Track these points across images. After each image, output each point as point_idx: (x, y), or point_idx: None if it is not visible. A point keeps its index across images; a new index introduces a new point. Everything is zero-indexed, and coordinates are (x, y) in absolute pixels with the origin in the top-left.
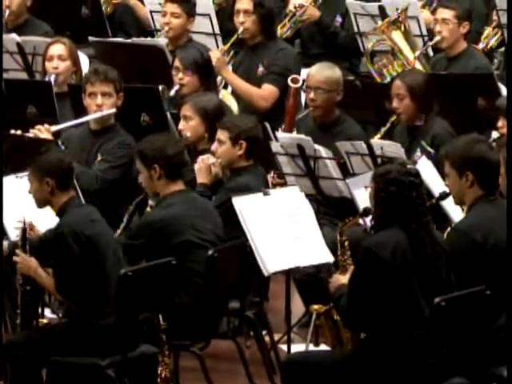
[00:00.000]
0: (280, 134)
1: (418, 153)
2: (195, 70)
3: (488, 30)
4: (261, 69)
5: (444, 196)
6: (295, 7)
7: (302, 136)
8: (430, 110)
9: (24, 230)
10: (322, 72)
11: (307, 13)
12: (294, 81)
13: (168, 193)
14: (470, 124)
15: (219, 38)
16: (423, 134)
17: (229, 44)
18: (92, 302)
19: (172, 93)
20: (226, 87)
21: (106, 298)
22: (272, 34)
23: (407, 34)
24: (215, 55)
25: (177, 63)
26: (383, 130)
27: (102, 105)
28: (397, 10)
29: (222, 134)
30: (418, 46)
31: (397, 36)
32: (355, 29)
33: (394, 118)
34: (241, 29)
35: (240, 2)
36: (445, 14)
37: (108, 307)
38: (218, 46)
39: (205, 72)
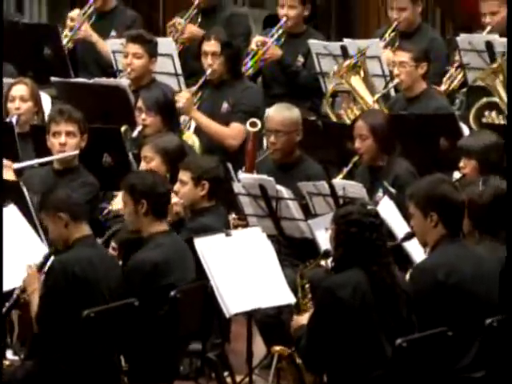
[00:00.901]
0: (242, 174)
1: (380, 193)
2: (158, 111)
3: (451, 71)
4: (225, 106)
5: (408, 237)
6: (257, 45)
7: (264, 176)
8: (392, 150)
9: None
10: (281, 114)
11: (269, 51)
12: (253, 125)
13: (154, 232)
14: (432, 164)
15: (181, 79)
16: (385, 175)
17: (198, 85)
18: (63, 342)
19: (135, 133)
20: (189, 128)
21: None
22: (238, 73)
23: (366, 78)
24: (184, 96)
25: (140, 104)
26: (345, 170)
27: (65, 144)
28: (355, 54)
29: (184, 175)
30: (377, 88)
31: (355, 80)
32: (317, 69)
33: (356, 158)
34: (209, 70)
35: (207, 43)
36: (402, 56)
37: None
38: (180, 87)
39: (168, 113)
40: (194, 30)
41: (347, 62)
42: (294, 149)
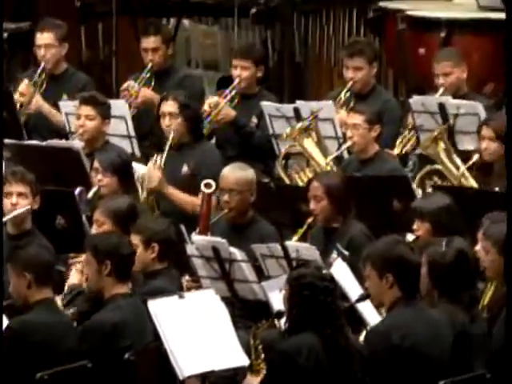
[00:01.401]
0: (195, 236)
1: (334, 255)
2: (114, 172)
3: (404, 133)
4: (185, 169)
5: (362, 298)
6: (210, 107)
7: (218, 239)
8: (347, 212)
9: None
10: (235, 173)
11: (222, 112)
12: (207, 186)
13: (115, 294)
14: (385, 226)
15: (134, 141)
16: (340, 236)
17: (164, 155)
18: None
19: (89, 195)
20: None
21: None
22: (198, 135)
23: (319, 140)
24: (156, 176)
25: (96, 165)
26: (300, 231)
27: (16, 204)
28: (309, 117)
29: (134, 238)
30: (330, 151)
31: (308, 143)
32: (270, 130)
33: (310, 219)
34: (171, 135)
35: (165, 104)
36: (355, 119)
37: None
38: (133, 149)
39: (124, 174)
40: (147, 93)
41: (299, 125)
42: (247, 209)
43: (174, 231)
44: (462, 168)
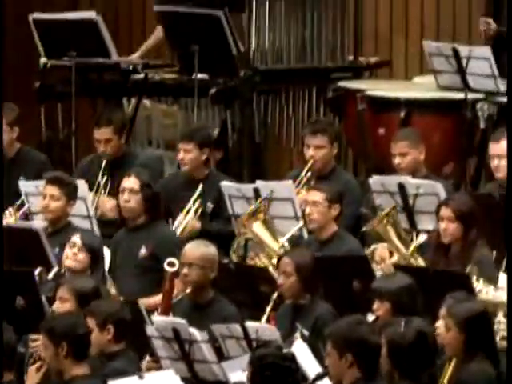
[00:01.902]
0: (155, 317)
1: (297, 334)
2: (90, 251)
3: (364, 213)
4: (143, 251)
5: (320, 377)
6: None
7: (178, 319)
8: (315, 290)
9: None
10: (198, 248)
11: (188, 226)
12: (170, 264)
13: (73, 376)
14: (346, 306)
15: (94, 221)
16: (307, 314)
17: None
18: None
19: (50, 276)
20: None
21: None
22: (156, 216)
23: (268, 223)
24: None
25: (75, 239)
26: (268, 308)
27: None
28: (264, 198)
29: (89, 321)
30: (285, 232)
31: (258, 227)
32: (230, 211)
33: (275, 295)
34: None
35: (126, 180)
36: (315, 196)
37: None
38: (93, 229)
39: (96, 256)
40: (105, 200)
41: (248, 211)
42: (206, 285)
43: (129, 311)
44: (411, 248)
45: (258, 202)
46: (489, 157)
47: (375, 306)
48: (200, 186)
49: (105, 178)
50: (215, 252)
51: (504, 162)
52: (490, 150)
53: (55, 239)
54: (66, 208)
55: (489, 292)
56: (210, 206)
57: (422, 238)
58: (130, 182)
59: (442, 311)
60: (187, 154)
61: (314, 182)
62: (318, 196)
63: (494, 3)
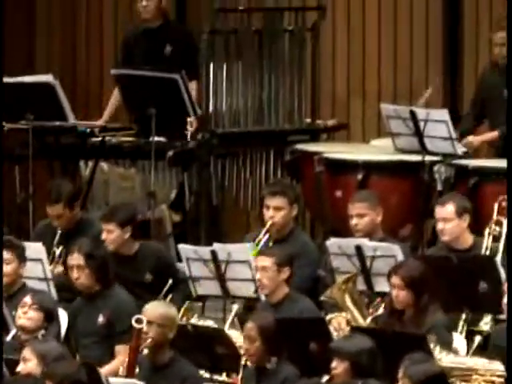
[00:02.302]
0: (113, 379)
1: None
2: (41, 310)
3: (322, 276)
4: (101, 319)
5: None
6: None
7: (133, 380)
8: (280, 352)
9: None
10: (158, 307)
11: None
12: (138, 321)
13: None
14: (304, 368)
15: (51, 283)
16: (273, 378)
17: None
18: None
19: (8, 338)
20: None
21: None
22: (108, 282)
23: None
24: None
25: (27, 299)
26: (239, 376)
27: None
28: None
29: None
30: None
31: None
32: (187, 273)
33: (243, 361)
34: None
35: (71, 258)
36: (264, 261)
37: None
38: (50, 291)
39: (50, 317)
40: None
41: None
42: (165, 345)
43: (85, 373)
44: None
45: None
46: (435, 220)
47: (334, 364)
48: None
49: (60, 248)
50: (175, 313)
51: (448, 226)
52: (435, 213)
53: (12, 302)
54: (18, 270)
55: (443, 359)
56: (148, 277)
57: (381, 309)
58: (75, 260)
59: (400, 372)
60: (109, 235)
61: (271, 243)
62: (266, 261)
63: (451, 66)
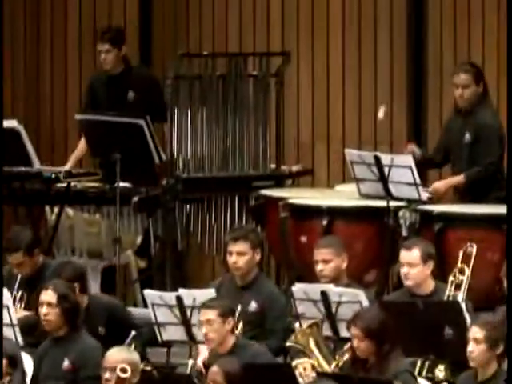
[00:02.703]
0: None
1: None
2: (4, 356)
3: (288, 321)
4: (66, 363)
5: None
6: None
7: None
8: None
9: None
10: (120, 352)
11: None
12: (123, 370)
13: None
14: None
15: (17, 329)
16: None
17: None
18: None
19: None
20: None
21: None
22: (76, 327)
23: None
24: None
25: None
26: None
27: None
28: None
29: None
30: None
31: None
32: (153, 319)
33: None
34: (44, 323)
35: (44, 293)
36: (207, 314)
37: None
38: (16, 338)
39: (14, 363)
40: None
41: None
42: None
43: None
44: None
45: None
46: (399, 264)
47: None
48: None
49: (20, 292)
50: (138, 358)
51: (413, 271)
52: (400, 257)
53: None
54: None
55: None
56: (102, 330)
57: (346, 355)
58: (48, 296)
59: None
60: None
61: (237, 291)
62: (209, 314)
63: (415, 110)
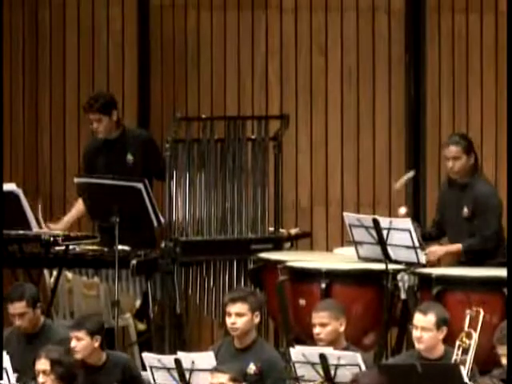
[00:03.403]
0: None
1: None
2: None
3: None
4: None
5: None
6: None
7: None
8: None
9: None
10: None
11: None
12: None
13: None
14: None
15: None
16: None
17: None
18: None
19: None
20: None
21: None
22: None
23: None
24: None
25: None
26: None
27: None
28: None
29: None
30: None
31: None
32: (151, 382)
33: None
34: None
35: (38, 362)
36: (219, 378)
37: None
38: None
39: None
40: None
41: None
42: None
43: None
44: None
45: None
46: (412, 326)
47: None
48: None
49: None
50: None
51: (427, 335)
52: (414, 320)
53: None
54: None
55: None
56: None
57: None
58: (42, 364)
59: None
60: (78, 342)
61: (235, 354)
62: (222, 378)
63: (414, 177)
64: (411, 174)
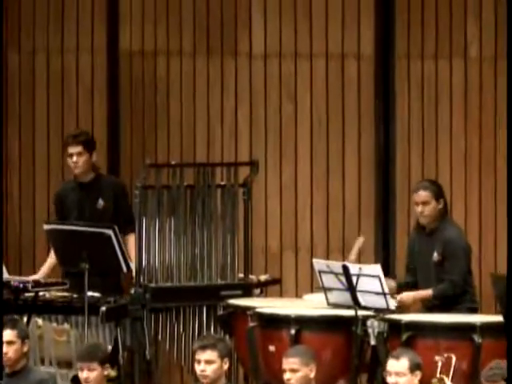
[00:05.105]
0: None
1: None
2: None
3: None
4: None
5: None
6: None
7: None
8: None
9: None
10: None
11: None
12: None
13: None
14: None
15: None
16: None
17: None
18: None
19: None
20: None
21: None
22: None
23: None
24: None
25: None
26: None
27: None
28: None
29: None
30: None
31: None
32: None
33: None
34: None
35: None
36: None
37: None
38: None
39: None
40: None
41: None
42: None
43: None
44: None
45: None
46: (386, 373)
47: None
48: None
49: None
50: None
51: (401, 380)
52: (388, 366)
53: None
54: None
55: None
56: None
57: None
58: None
59: None
60: (91, 373)
61: None
62: None
63: (384, 220)
64: (361, 240)
